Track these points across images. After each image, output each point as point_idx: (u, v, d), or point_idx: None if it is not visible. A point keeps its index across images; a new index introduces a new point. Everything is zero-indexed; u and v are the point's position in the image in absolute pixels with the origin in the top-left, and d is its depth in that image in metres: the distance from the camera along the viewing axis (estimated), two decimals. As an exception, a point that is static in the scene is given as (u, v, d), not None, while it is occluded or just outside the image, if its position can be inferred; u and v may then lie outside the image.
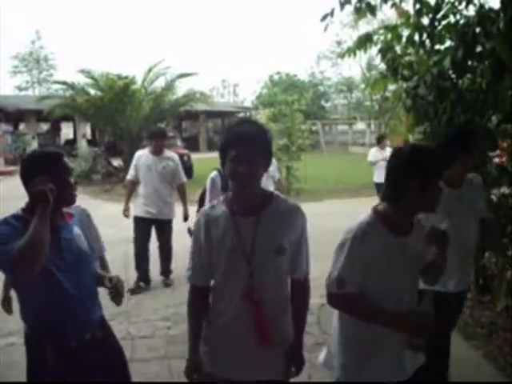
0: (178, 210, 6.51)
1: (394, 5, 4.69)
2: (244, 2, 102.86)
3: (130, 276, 6.64)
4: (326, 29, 4.40)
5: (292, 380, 2.50)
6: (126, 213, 6.44)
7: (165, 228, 6.41)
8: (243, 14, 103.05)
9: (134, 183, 6.51)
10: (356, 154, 28.83)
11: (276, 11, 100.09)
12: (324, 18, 4.33)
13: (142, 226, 6.26)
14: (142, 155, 6.39)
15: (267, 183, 6.64)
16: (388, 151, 9.42)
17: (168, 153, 6.45)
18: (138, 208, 6.29)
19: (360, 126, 37.83)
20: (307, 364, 3.96)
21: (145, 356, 4.32)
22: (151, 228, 6.35)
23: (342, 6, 4.13)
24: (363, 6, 4.20)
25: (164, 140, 6.40)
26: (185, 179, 6.62)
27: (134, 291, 5.98)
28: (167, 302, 5.60)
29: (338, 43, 24.11)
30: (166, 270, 6.48)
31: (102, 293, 2.64)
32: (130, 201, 6.54)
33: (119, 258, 7.35)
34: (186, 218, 6.30)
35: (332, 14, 4.29)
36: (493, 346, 4.14)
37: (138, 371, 4.10)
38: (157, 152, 6.24)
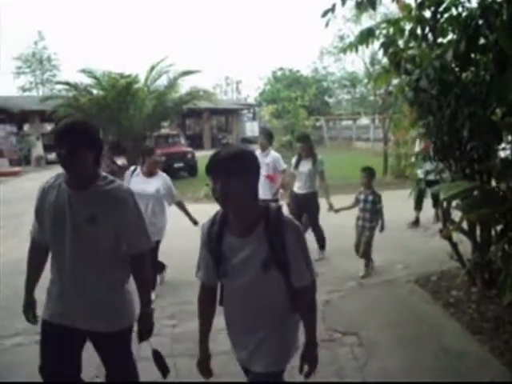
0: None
1: (395, -2, 4.66)
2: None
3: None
4: (327, 24, 4.36)
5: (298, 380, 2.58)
6: None
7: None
8: (245, 11, 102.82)
9: None
10: (360, 149, 28.72)
11: (278, 7, 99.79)
12: (325, 13, 4.29)
13: None
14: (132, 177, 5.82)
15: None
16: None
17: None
18: None
19: (364, 121, 37.61)
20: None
21: (149, 355, 4.31)
22: None
23: (344, 1, 4.10)
24: (364, 0, 4.15)
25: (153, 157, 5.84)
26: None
27: None
28: (173, 300, 5.58)
29: (341, 38, 23.86)
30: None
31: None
32: None
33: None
34: (195, 223, 5.98)
35: (333, 9, 4.25)
36: (499, 341, 4.10)
37: (143, 369, 4.10)
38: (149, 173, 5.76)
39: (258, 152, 7.01)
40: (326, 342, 4.30)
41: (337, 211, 6.54)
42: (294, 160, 7.12)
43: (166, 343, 4.48)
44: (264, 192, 6.32)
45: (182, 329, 4.75)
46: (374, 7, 4.29)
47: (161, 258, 6.88)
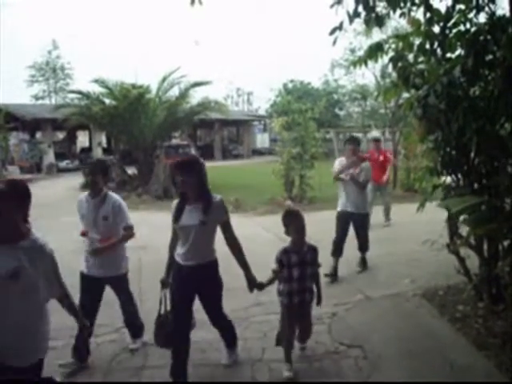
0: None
1: (402, 14, 4.69)
2: (259, 11, 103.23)
3: (143, 280, 6.72)
4: (334, 42, 4.41)
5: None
6: None
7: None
8: (259, 23, 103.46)
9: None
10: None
11: (290, 19, 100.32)
12: (333, 31, 4.33)
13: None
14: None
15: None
16: None
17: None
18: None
19: (375, 133, 37.58)
20: (317, 373, 4.00)
21: (156, 363, 4.34)
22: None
23: (351, 19, 4.15)
24: (372, 17, 4.20)
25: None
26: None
27: None
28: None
29: (352, 51, 23.93)
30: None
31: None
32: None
33: (134, 264, 7.43)
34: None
35: (340, 27, 4.30)
36: (505, 357, 4.08)
37: (149, 378, 4.16)
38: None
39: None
40: (331, 354, 4.32)
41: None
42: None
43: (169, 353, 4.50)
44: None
45: (188, 338, 4.76)
46: (380, 25, 4.33)
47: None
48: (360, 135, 37.55)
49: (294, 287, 3.98)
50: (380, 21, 4.20)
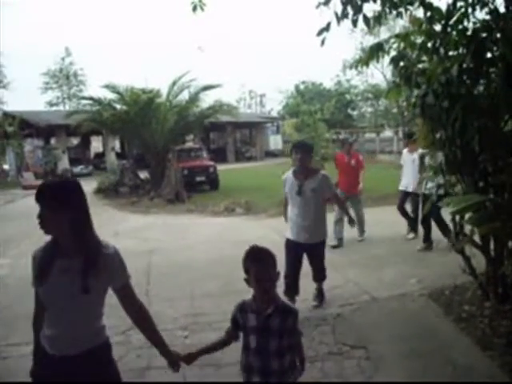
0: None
1: (399, 14, 4.68)
2: (270, 13, 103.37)
3: (151, 283, 6.77)
4: (323, 43, 4.37)
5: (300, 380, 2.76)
6: None
7: None
8: (271, 25, 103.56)
9: None
10: (383, 161, 28.52)
11: (303, 20, 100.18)
12: (320, 32, 4.29)
13: None
14: None
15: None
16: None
17: None
18: None
19: (388, 133, 37.44)
20: (319, 373, 4.01)
21: (161, 364, 4.36)
22: None
23: (339, 20, 4.13)
24: (359, 17, 4.18)
25: None
26: None
27: None
28: (186, 311, 5.64)
29: (363, 51, 23.91)
30: None
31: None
32: None
33: (142, 268, 7.50)
34: None
35: (328, 28, 4.26)
36: (509, 357, 4.04)
37: (154, 379, 4.20)
38: None
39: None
40: (334, 355, 4.31)
41: None
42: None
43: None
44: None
45: (193, 340, 4.80)
46: (368, 25, 4.31)
47: (178, 270, 6.97)
48: (373, 135, 37.57)
49: (252, 362, 2.69)
50: (367, 21, 4.18)
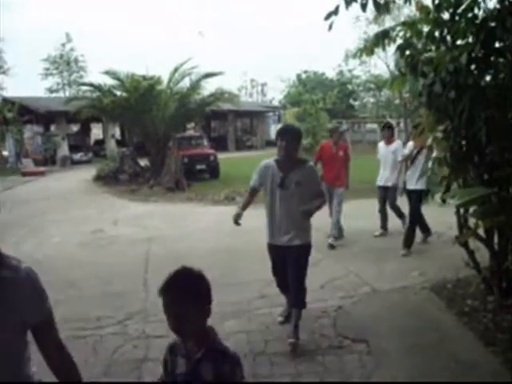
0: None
1: (407, 0, 4.56)
2: (272, 1, 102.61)
3: (149, 271, 6.71)
4: (330, 27, 4.25)
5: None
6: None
7: None
8: (273, 14, 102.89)
9: None
10: (384, 152, 28.41)
11: (304, 10, 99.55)
12: (328, 16, 4.16)
13: None
14: None
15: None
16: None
17: None
18: None
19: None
20: (320, 367, 3.93)
21: (158, 356, 4.28)
22: None
23: (348, 3, 4.00)
24: (370, 2, 4.04)
25: None
26: None
27: None
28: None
29: (366, 41, 23.69)
30: None
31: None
32: None
33: (141, 256, 7.44)
34: None
35: (336, 12, 4.13)
36: (513, 353, 3.97)
37: (150, 371, 4.12)
38: None
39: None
40: (335, 349, 4.24)
41: None
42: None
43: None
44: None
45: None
46: (378, 9, 4.17)
47: (176, 259, 6.90)
48: (375, 126, 37.37)
49: None
50: (377, 5, 4.04)
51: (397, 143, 8.26)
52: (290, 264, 4.44)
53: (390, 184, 8.04)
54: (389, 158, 8.10)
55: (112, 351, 4.41)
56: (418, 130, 7.34)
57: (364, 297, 5.50)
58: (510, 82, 4.21)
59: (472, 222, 4.97)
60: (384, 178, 8.22)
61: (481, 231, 4.92)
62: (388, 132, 8.43)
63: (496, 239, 4.96)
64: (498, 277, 4.97)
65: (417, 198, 7.04)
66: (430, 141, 7.22)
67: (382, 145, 8.51)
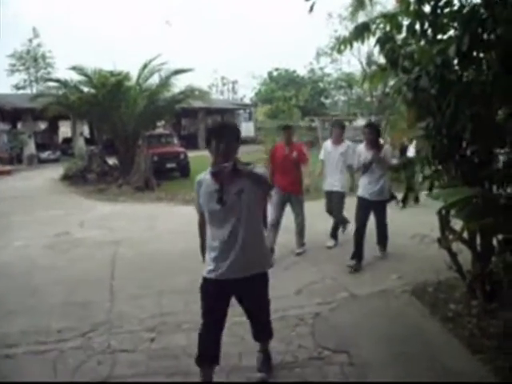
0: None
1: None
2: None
3: (116, 277, 6.36)
4: (311, 9, 4.01)
5: None
6: None
7: None
8: (244, 11, 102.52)
9: None
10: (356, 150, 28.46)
11: (276, 7, 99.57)
12: None
13: None
14: None
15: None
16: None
17: None
18: None
19: (360, 122, 37.38)
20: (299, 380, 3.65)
21: (125, 372, 3.97)
22: None
23: None
24: None
25: None
26: None
27: None
28: (154, 311, 5.20)
29: (337, 39, 23.63)
30: None
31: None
32: None
33: (107, 261, 7.06)
34: None
35: None
36: (502, 360, 3.78)
37: (115, 390, 3.79)
38: None
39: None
40: (315, 361, 3.97)
41: None
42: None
43: (142, 360, 4.13)
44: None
45: (160, 344, 4.41)
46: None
47: (145, 263, 6.56)
48: (346, 123, 37.50)
49: None
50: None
51: (346, 145, 7.42)
52: (249, 299, 3.58)
53: (337, 189, 7.34)
54: (337, 160, 7.32)
55: (73, 369, 4.03)
56: (395, 128, 7.14)
57: (342, 302, 5.24)
58: (495, 77, 4.01)
59: (455, 222, 4.77)
60: (331, 182, 7.44)
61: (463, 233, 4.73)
62: (339, 131, 7.55)
63: (478, 241, 4.78)
64: (481, 280, 4.78)
65: (383, 210, 6.59)
66: (406, 140, 7.07)
67: (328, 144, 7.64)
